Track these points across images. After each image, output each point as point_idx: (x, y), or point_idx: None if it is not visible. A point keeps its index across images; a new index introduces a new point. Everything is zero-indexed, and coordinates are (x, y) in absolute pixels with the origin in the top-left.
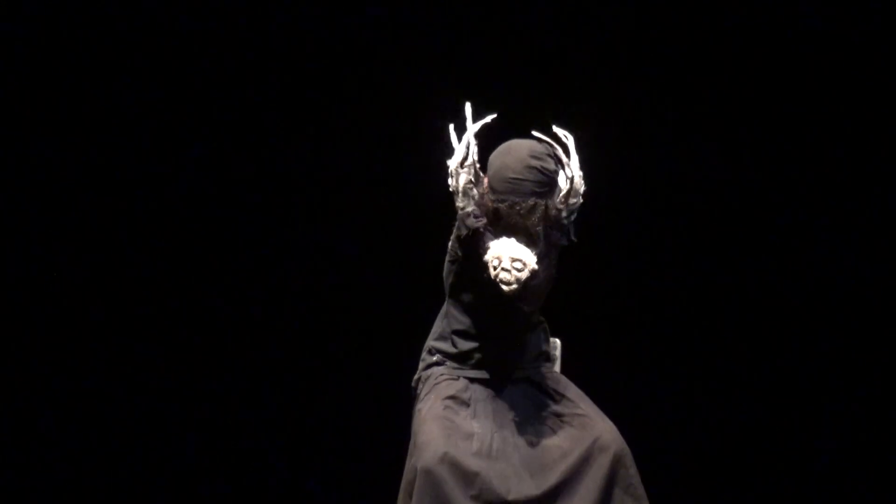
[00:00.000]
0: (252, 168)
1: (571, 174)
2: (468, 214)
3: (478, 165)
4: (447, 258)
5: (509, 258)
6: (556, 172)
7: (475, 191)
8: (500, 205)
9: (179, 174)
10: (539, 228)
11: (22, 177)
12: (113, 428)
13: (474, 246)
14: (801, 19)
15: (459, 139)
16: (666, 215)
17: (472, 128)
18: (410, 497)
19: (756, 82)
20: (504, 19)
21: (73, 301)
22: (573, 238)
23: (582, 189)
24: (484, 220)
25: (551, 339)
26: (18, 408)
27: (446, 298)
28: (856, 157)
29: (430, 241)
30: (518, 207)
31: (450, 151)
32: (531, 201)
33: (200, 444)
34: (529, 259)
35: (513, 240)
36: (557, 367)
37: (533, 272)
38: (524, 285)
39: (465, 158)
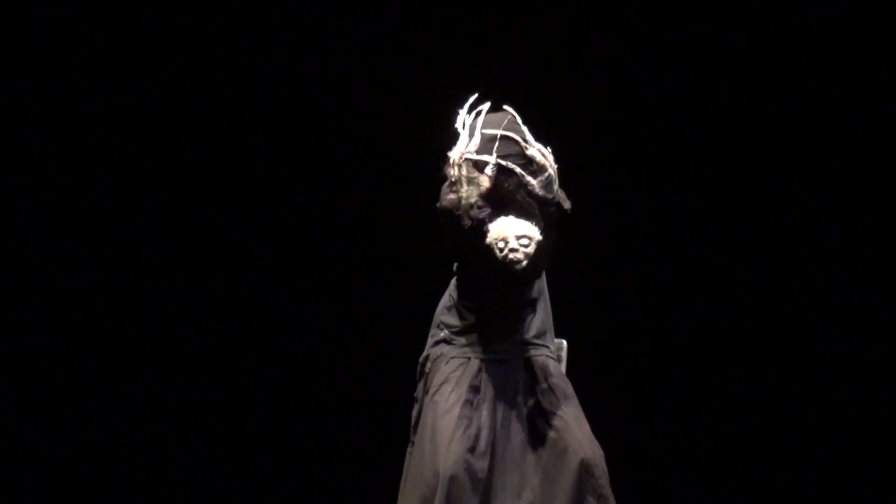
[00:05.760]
0: (253, 166)
1: (531, 151)
2: (472, 206)
3: (479, 155)
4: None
5: (514, 236)
6: (525, 150)
7: (480, 179)
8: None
9: (181, 176)
10: (530, 201)
11: (22, 177)
12: (114, 428)
13: (476, 233)
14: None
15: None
16: (670, 216)
17: (476, 118)
18: (426, 501)
19: (754, 79)
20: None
21: (72, 301)
22: (566, 208)
23: (546, 162)
24: (488, 210)
25: (558, 340)
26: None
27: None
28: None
29: (430, 236)
30: (507, 184)
31: (453, 142)
32: (516, 176)
33: (200, 442)
34: (533, 232)
35: (511, 217)
36: (563, 369)
37: (539, 244)
38: (532, 260)
39: (469, 147)
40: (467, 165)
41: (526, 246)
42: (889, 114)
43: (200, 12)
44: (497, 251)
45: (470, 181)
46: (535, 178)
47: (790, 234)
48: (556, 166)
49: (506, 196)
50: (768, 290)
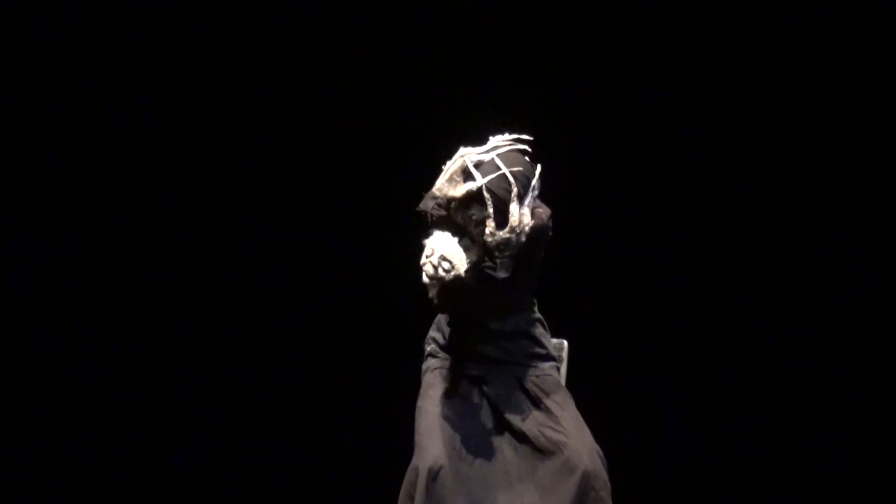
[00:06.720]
0: (256, 167)
1: (513, 207)
2: (434, 198)
3: (474, 168)
4: None
5: (440, 255)
6: (510, 201)
7: (457, 186)
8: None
9: (183, 177)
10: (482, 241)
11: (22, 177)
12: (115, 428)
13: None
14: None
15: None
16: (671, 216)
17: (509, 143)
18: (411, 498)
19: (757, 78)
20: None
21: (71, 301)
22: (496, 276)
23: (517, 226)
24: (444, 215)
25: (558, 341)
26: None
27: None
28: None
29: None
30: (472, 212)
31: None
32: (484, 213)
33: (201, 443)
34: (460, 264)
35: (455, 239)
36: (564, 369)
37: (457, 278)
38: (445, 286)
39: (476, 157)
40: (460, 166)
41: (446, 270)
42: (887, 115)
43: (200, 11)
44: (424, 255)
45: (451, 179)
46: (497, 228)
47: (791, 234)
48: (522, 240)
49: (466, 220)
50: (769, 291)
